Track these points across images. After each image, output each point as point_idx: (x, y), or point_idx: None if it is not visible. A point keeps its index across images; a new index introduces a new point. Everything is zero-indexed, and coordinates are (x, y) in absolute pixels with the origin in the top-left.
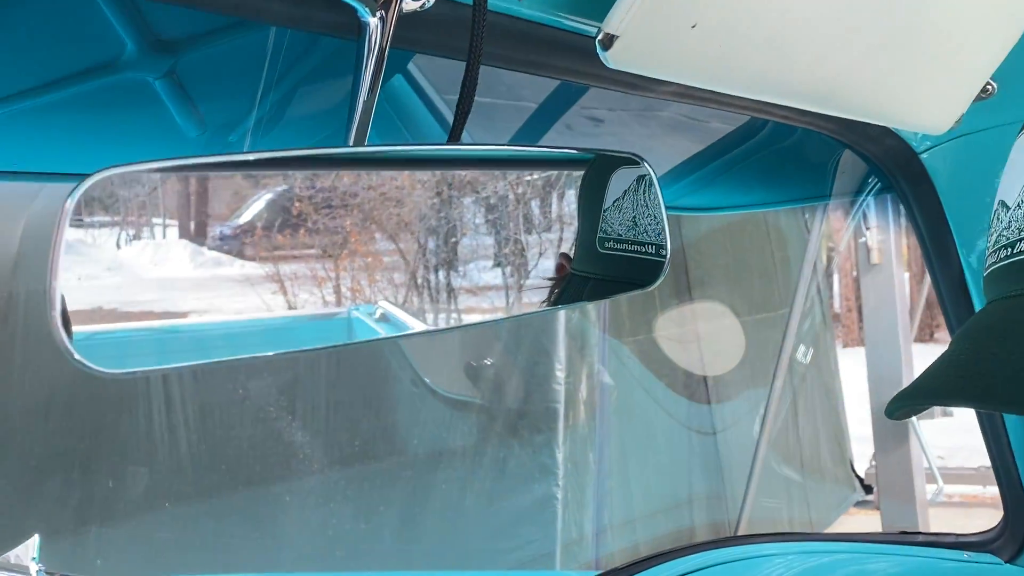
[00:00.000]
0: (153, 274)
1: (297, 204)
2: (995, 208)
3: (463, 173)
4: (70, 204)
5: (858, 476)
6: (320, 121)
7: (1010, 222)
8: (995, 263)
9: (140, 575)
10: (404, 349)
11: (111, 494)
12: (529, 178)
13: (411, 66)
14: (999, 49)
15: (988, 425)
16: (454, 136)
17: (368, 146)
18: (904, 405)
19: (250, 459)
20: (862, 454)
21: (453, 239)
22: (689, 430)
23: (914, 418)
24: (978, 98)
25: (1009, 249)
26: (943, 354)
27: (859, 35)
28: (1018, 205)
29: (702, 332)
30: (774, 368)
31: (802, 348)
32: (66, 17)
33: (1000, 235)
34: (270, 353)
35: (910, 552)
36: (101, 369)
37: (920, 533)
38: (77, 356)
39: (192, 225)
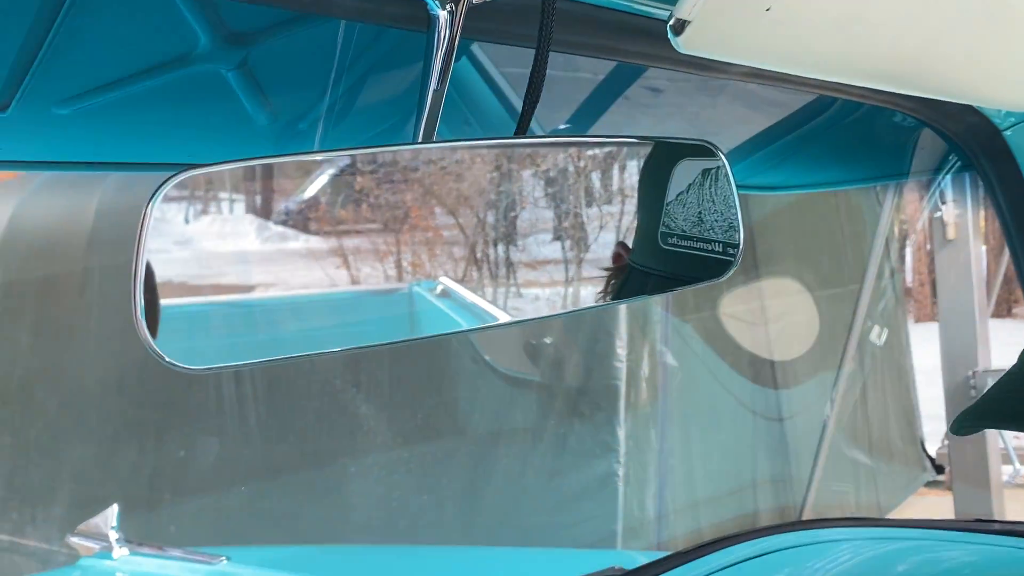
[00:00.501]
0: (221, 248)
1: (359, 179)
2: None
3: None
4: (151, 208)
5: (929, 456)
6: (388, 110)
7: None
8: None
9: (211, 542)
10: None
11: (182, 464)
12: (590, 152)
13: (475, 48)
14: None
15: None
16: (521, 128)
17: (437, 142)
18: (970, 425)
19: (316, 431)
20: (933, 433)
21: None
22: (754, 410)
23: None
24: None
25: None
26: (1012, 369)
27: (938, 11)
28: None
29: (769, 309)
30: (843, 346)
31: (876, 329)
32: (142, 12)
33: None
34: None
35: (986, 540)
36: (189, 367)
37: (996, 521)
38: (168, 359)
39: (258, 200)
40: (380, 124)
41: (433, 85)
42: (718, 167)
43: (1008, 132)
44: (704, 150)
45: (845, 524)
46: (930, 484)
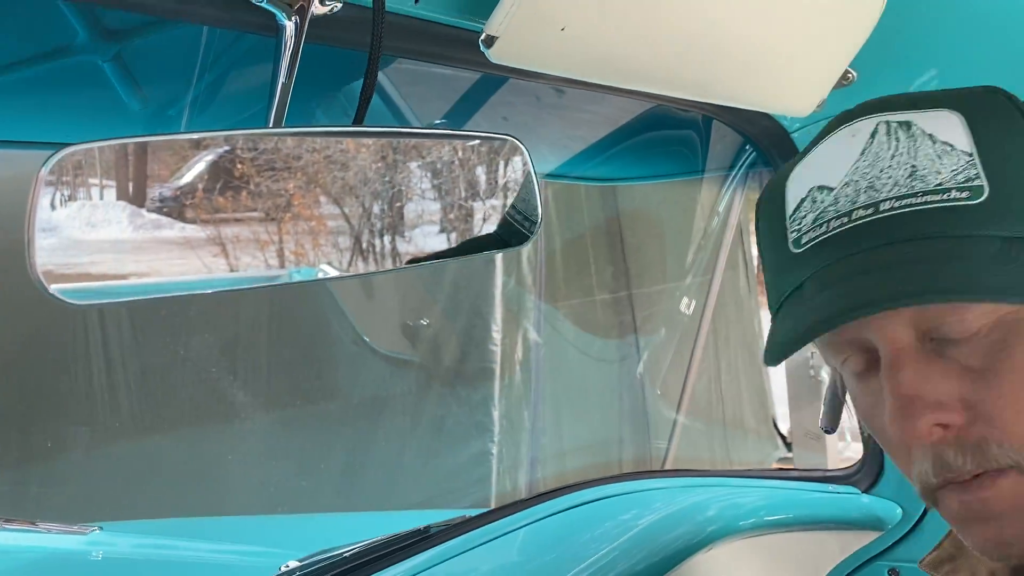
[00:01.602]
0: (90, 236)
1: (239, 166)
2: (807, 194)
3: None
4: (44, 172)
5: (781, 434)
6: (247, 101)
7: (837, 198)
8: (826, 233)
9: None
10: (346, 311)
11: (50, 455)
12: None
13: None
14: (855, 40)
15: None
16: (358, 119)
17: (285, 127)
18: (776, 354)
19: (192, 420)
20: (785, 414)
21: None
22: (620, 389)
23: (826, 377)
24: (839, 85)
25: (846, 218)
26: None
27: (721, 28)
28: (844, 184)
29: (636, 297)
30: (696, 329)
31: (685, 300)
32: (27, 8)
33: (825, 211)
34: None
35: (783, 485)
36: (72, 301)
37: (793, 469)
38: (52, 289)
39: (130, 186)
40: (241, 113)
41: (281, 81)
42: (522, 157)
43: (795, 134)
44: (511, 143)
45: (664, 475)
46: (782, 460)
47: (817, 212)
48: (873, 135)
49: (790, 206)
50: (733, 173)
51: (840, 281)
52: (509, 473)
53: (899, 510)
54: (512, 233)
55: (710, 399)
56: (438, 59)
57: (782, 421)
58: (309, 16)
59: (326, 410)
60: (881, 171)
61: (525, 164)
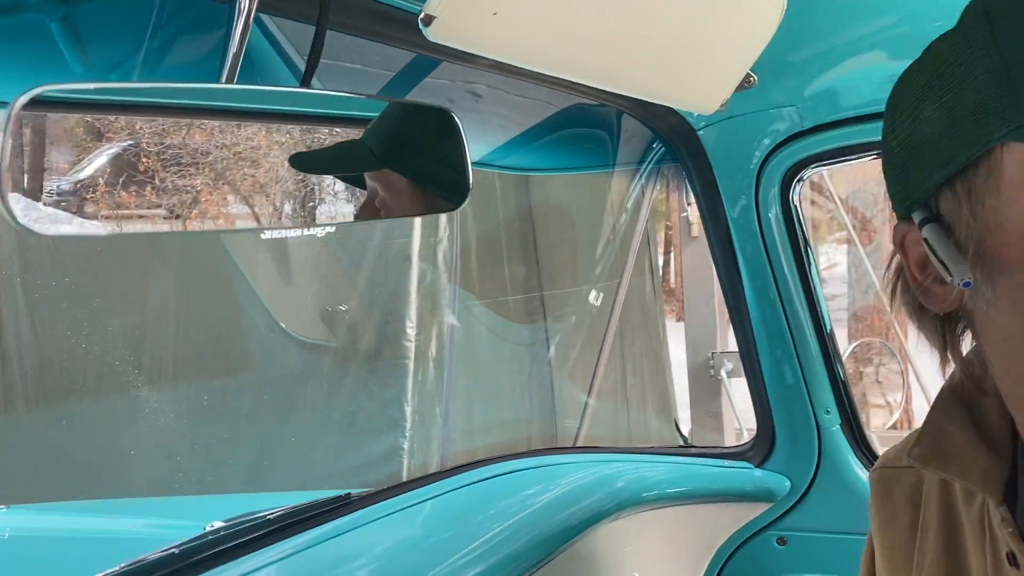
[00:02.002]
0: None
1: (144, 160)
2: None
3: (324, 134)
4: (15, 109)
5: (681, 434)
6: (195, 67)
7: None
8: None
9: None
10: (263, 299)
11: None
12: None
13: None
14: (755, 46)
15: (746, 356)
16: (305, 81)
17: (237, 84)
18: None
19: (94, 416)
20: (686, 419)
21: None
22: (530, 385)
23: (725, 376)
24: (741, 87)
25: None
26: None
27: (637, 26)
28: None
29: (547, 299)
30: (604, 330)
31: (593, 293)
32: None
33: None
34: None
35: (684, 461)
36: (39, 231)
37: (695, 447)
38: (20, 220)
39: (26, 179)
40: (189, 78)
41: (234, 46)
42: (455, 128)
43: (701, 132)
44: (444, 113)
45: (578, 451)
46: None
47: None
48: None
49: None
50: (643, 168)
51: None
52: (421, 450)
53: (788, 483)
54: (444, 198)
55: (615, 401)
56: (379, 37)
57: (683, 424)
58: None
59: (236, 393)
60: None
61: (457, 135)
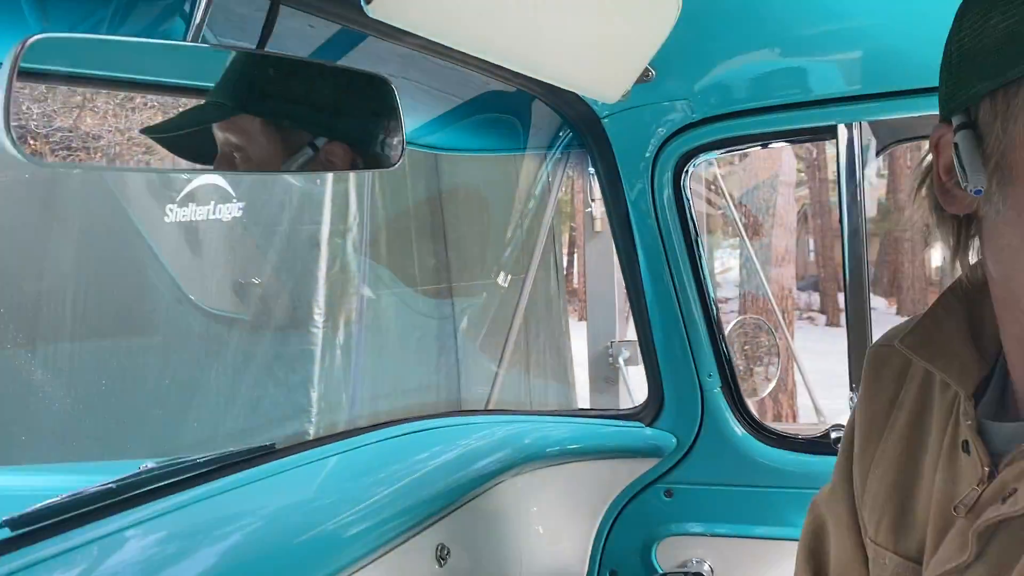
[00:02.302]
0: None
1: (31, 143)
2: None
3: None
4: (16, 52)
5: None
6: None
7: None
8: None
9: None
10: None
11: None
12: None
13: None
14: (653, 44)
15: (639, 321)
16: (261, 45)
17: (203, 43)
18: None
19: None
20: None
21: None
22: (436, 375)
23: (623, 364)
24: (641, 80)
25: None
26: None
27: (551, 16)
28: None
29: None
30: (510, 322)
31: (503, 275)
32: None
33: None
34: None
35: (582, 422)
36: (37, 164)
37: (593, 409)
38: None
39: None
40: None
41: (198, 14)
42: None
43: (605, 120)
44: (381, 80)
45: (486, 413)
46: None
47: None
48: None
49: None
50: (552, 152)
51: None
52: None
53: (674, 440)
54: (380, 156)
55: (518, 393)
56: (324, 13)
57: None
58: None
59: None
60: None
61: (393, 100)
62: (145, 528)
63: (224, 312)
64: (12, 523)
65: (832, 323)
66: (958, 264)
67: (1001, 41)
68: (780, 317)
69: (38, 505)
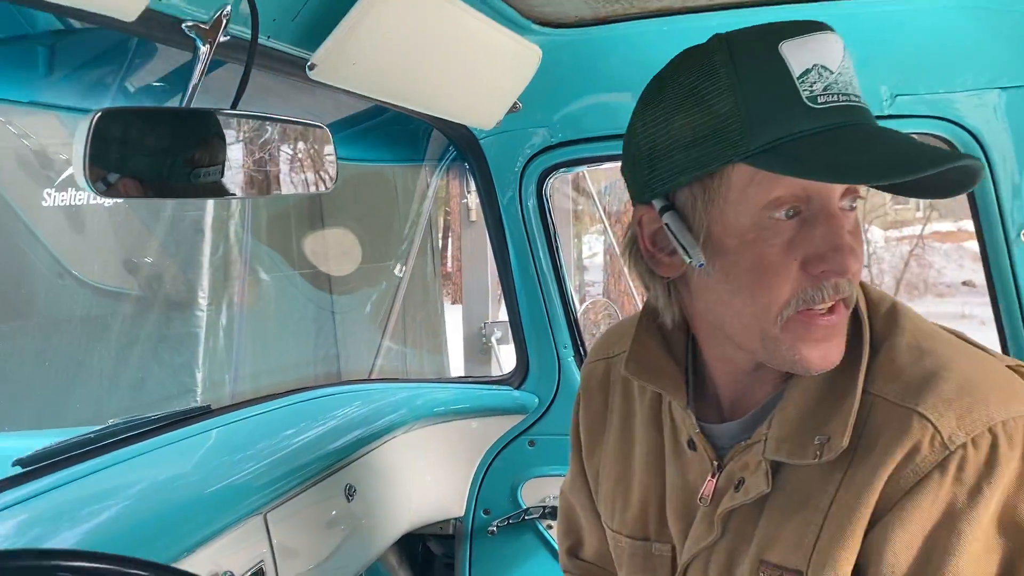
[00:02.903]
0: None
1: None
2: (812, 67)
3: None
4: (93, 121)
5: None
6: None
7: (837, 80)
8: (838, 102)
9: None
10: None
11: None
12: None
13: None
14: (518, 84)
15: (509, 304)
16: (234, 104)
17: (193, 106)
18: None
19: None
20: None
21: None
22: (315, 356)
23: (495, 343)
24: (511, 110)
25: (851, 97)
26: None
27: (443, 66)
28: (839, 72)
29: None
30: (390, 305)
31: (400, 266)
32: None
33: (832, 84)
34: None
35: (462, 387)
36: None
37: (471, 377)
38: (96, 188)
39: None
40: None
41: (194, 79)
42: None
43: (483, 141)
44: (316, 128)
45: (380, 381)
46: None
47: (826, 83)
48: (844, 48)
49: (796, 69)
50: (440, 165)
51: (863, 145)
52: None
53: (536, 400)
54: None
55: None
56: (281, 74)
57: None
58: (216, 43)
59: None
60: (851, 74)
61: (328, 144)
62: (120, 468)
63: (110, 287)
64: (23, 462)
65: None
66: (669, 309)
67: (692, 139)
68: (636, 298)
69: (39, 449)
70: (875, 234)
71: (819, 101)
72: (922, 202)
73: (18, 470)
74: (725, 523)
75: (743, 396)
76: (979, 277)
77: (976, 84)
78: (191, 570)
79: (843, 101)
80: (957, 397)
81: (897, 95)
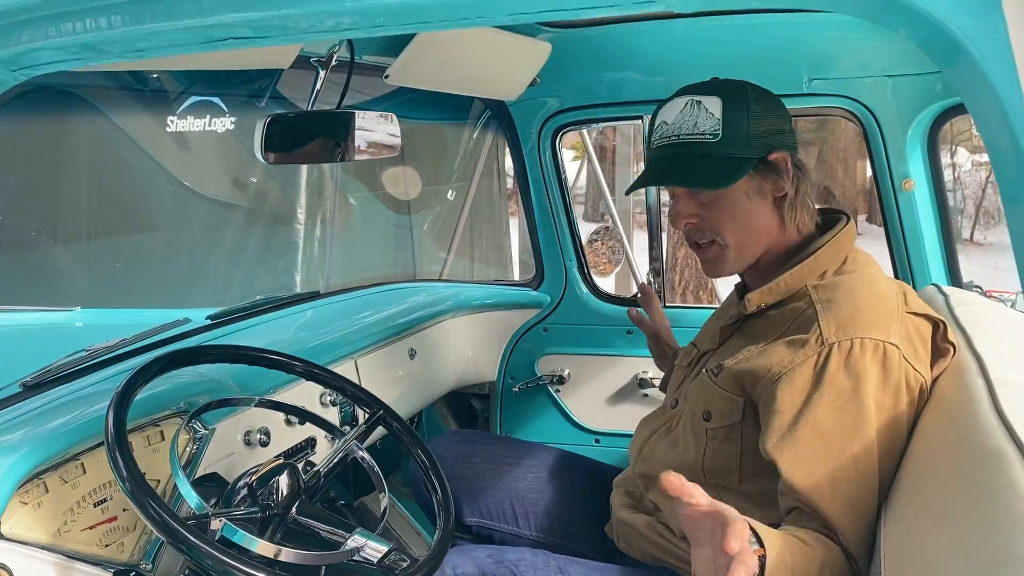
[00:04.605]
0: None
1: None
2: (659, 123)
3: None
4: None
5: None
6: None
7: (668, 129)
8: (661, 141)
9: None
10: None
11: None
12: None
13: None
14: (535, 65)
15: (531, 228)
16: (339, 104)
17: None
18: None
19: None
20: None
21: None
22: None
23: None
24: (531, 84)
25: (671, 138)
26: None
27: (483, 60)
28: (673, 124)
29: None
30: (459, 215)
31: (450, 192)
32: None
33: (664, 133)
34: None
35: (494, 287)
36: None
37: (504, 280)
38: (262, 158)
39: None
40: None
41: (317, 87)
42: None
43: (511, 107)
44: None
45: (430, 281)
46: None
47: (660, 133)
48: (686, 104)
49: (654, 126)
50: (480, 120)
51: (663, 165)
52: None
53: (548, 298)
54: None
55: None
56: (365, 76)
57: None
58: (330, 67)
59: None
60: (684, 122)
61: (394, 125)
62: (262, 327)
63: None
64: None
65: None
66: None
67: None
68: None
69: (228, 307)
70: (961, 156)
71: (652, 143)
72: None
73: (206, 321)
74: (724, 338)
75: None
76: None
77: (871, 72)
78: (304, 396)
79: (663, 142)
80: (844, 317)
81: (813, 79)
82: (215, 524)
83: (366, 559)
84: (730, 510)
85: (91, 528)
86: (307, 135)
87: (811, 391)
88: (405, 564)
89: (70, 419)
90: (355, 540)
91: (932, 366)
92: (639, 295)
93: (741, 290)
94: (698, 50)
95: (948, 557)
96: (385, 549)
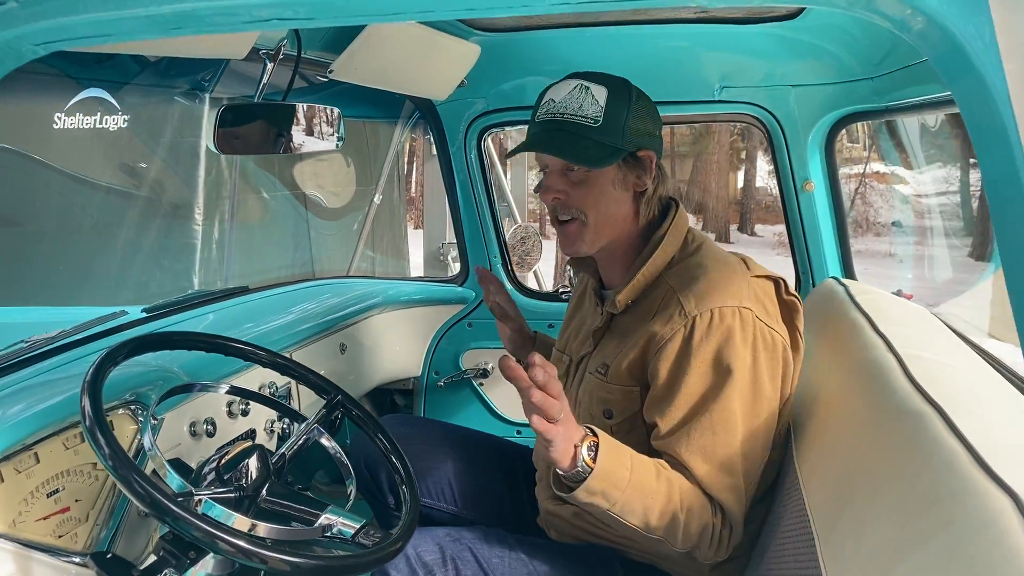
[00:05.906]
0: None
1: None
2: (547, 100)
3: None
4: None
5: None
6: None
7: (555, 106)
8: (545, 117)
9: None
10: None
11: None
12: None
13: None
14: (464, 67)
15: (456, 226)
16: (284, 97)
17: (261, 101)
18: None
19: None
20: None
21: None
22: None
23: (451, 260)
24: (459, 86)
25: (553, 115)
26: None
27: (414, 61)
28: (560, 103)
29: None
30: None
31: (377, 196)
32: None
33: (550, 110)
34: None
35: (422, 284)
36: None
37: (427, 277)
38: (212, 145)
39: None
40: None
41: (263, 81)
42: None
43: (439, 106)
44: (332, 109)
45: (356, 278)
46: None
47: (546, 109)
48: (576, 87)
49: (542, 101)
50: (408, 122)
51: (545, 137)
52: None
53: (473, 294)
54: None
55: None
56: (310, 72)
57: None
58: (278, 59)
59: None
60: (570, 103)
61: (340, 121)
62: (195, 320)
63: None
64: (148, 310)
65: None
66: None
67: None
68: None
69: (161, 301)
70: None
71: (537, 118)
72: (867, 141)
73: (142, 314)
74: (597, 340)
75: (610, 275)
76: (905, 218)
77: (776, 82)
78: (244, 386)
79: (548, 117)
80: (700, 292)
81: (724, 87)
82: (195, 503)
83: (340, 534)
84: (558, 395)
85: (44, 519)
86: (258, 126)
87: (681, 360)
88: (379, 537)
89: (22, 408)
90: (327, 518)
91: (786, 320)
92: (479, 278)
93: (599, 292)
94: (618, 57)
95: (878, 505)
96: (358, 525)
